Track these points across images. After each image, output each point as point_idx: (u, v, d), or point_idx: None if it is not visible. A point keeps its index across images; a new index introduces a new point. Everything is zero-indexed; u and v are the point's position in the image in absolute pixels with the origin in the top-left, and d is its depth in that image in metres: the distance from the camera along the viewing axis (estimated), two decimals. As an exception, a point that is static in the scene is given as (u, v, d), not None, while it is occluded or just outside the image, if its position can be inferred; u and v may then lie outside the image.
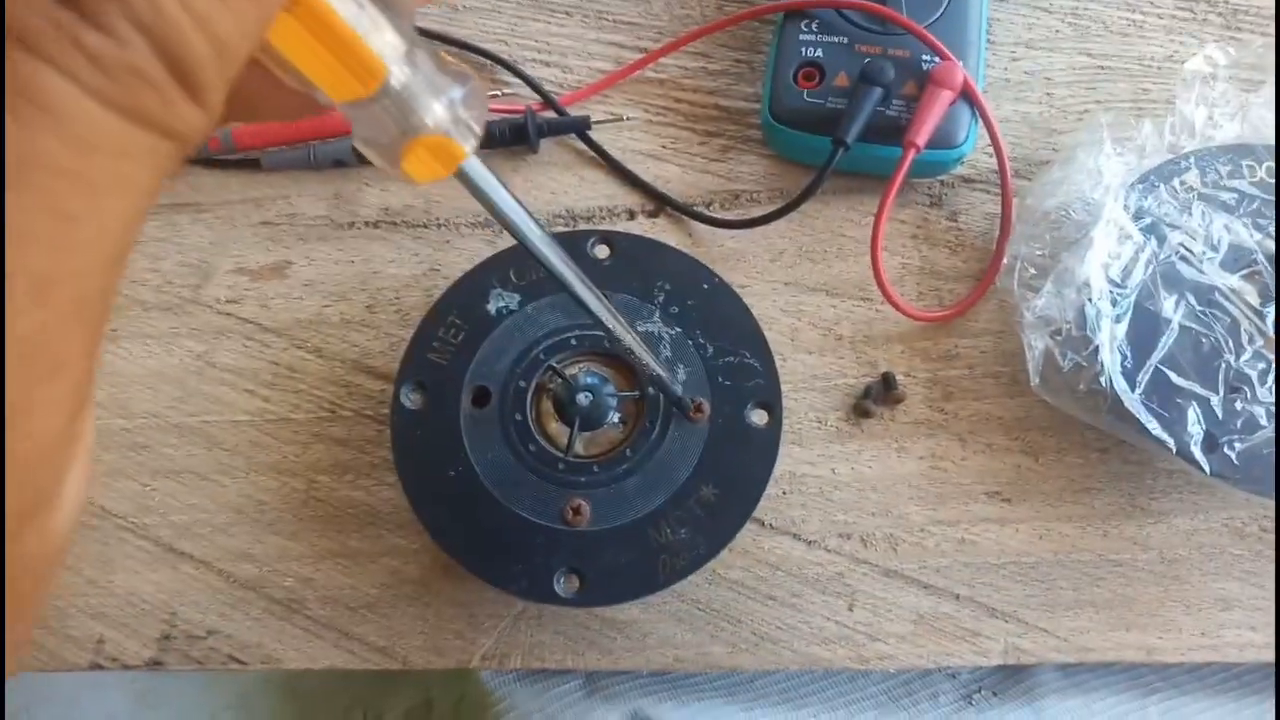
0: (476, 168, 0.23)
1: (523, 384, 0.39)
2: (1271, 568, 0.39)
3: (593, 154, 0.46)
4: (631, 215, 0.46)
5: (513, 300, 0.40)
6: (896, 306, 0.42)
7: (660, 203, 0.45)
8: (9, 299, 0.14)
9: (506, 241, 0.44)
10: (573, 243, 0.41)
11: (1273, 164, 0.40)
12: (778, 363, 0.40)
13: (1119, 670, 0.41)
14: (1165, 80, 0.47)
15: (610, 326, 0.30)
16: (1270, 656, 0.39)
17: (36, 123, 0.13)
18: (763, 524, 0.40)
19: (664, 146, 0.47)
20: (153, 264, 0.46)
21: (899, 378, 0.42)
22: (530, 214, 0.26)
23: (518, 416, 0.38)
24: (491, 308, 0.40)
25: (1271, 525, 0.40)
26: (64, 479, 0.16)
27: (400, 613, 0.40)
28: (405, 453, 0.38)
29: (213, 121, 0.16)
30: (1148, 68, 0.47)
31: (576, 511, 0.37)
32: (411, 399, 0.39)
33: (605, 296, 0.29)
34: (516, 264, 0.40)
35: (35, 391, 0.15)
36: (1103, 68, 0.47)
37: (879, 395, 0.42)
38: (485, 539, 0.37)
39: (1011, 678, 0.41)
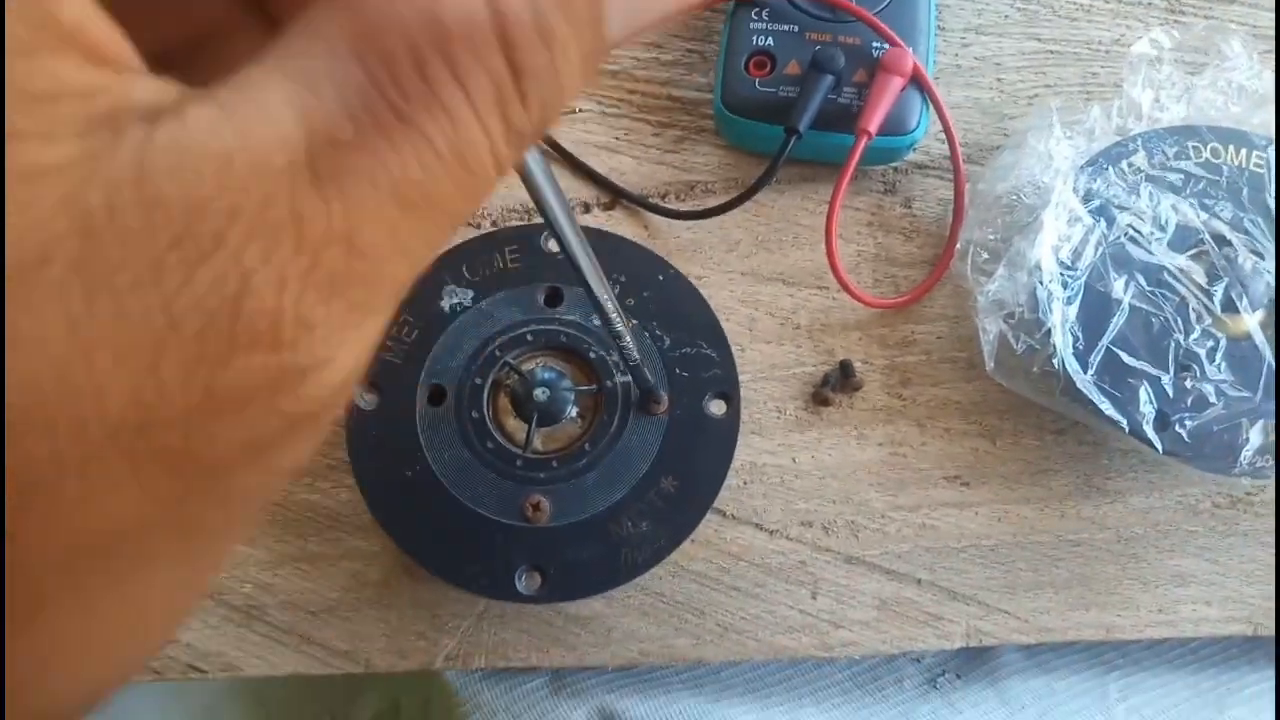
0: None
1: (479, 381, 0.38)
2: (1225, 543, 0.40)
3: (546, 147, 0.46)
4: (587, 208, 0.45)
5: (466, 296, 0.39)
6: (852, 294, 0.42)
7: (615, 195, 0.45)
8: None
9: (459, 236, 0.43)
10: (526, 237, 0.41)
11: (1218, 144, 0.41)
12: (736, 353, 0.40)
13: (1080, 648, 0.42)
14: (1113, 64, 0.47)
15: (606, 308, 0.30)
16: (1226, 630, 0.39)
17: (440, 167, 0.14)
18: (724, 514, 0.40)
19: (618, 138, 0.46)
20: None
21: (857, 365, 0.42)
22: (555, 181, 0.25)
23: (474, 414, 0.38)
24: (445, 304, 0.39)
25: (1224, 501, 0.41)
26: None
27: (362, 616, 0.40)
28: (361, 454, 0.38)
29: None
30: (1096, 51, 0.47)
31: (536, 508, 0.37)
32: (366, 399, 0.38)
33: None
34: (469, 259, 0.40)
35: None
36: (1052, 52, 0.47)
37: (837, 383, 0.42)
38: (445, 538, 0.37)
39: (974, 660, 0.42)
